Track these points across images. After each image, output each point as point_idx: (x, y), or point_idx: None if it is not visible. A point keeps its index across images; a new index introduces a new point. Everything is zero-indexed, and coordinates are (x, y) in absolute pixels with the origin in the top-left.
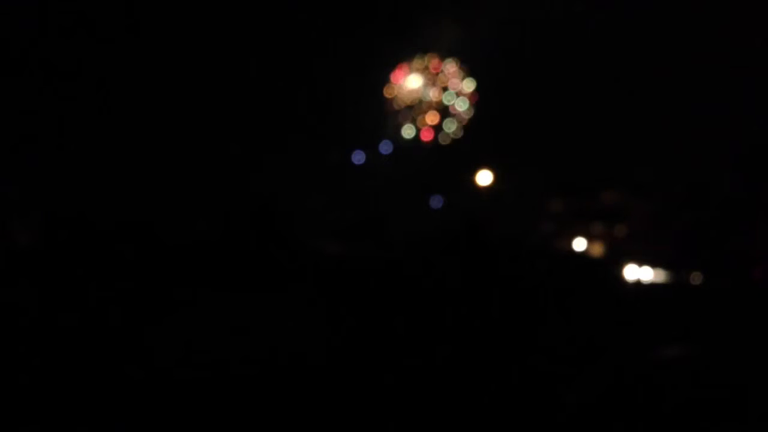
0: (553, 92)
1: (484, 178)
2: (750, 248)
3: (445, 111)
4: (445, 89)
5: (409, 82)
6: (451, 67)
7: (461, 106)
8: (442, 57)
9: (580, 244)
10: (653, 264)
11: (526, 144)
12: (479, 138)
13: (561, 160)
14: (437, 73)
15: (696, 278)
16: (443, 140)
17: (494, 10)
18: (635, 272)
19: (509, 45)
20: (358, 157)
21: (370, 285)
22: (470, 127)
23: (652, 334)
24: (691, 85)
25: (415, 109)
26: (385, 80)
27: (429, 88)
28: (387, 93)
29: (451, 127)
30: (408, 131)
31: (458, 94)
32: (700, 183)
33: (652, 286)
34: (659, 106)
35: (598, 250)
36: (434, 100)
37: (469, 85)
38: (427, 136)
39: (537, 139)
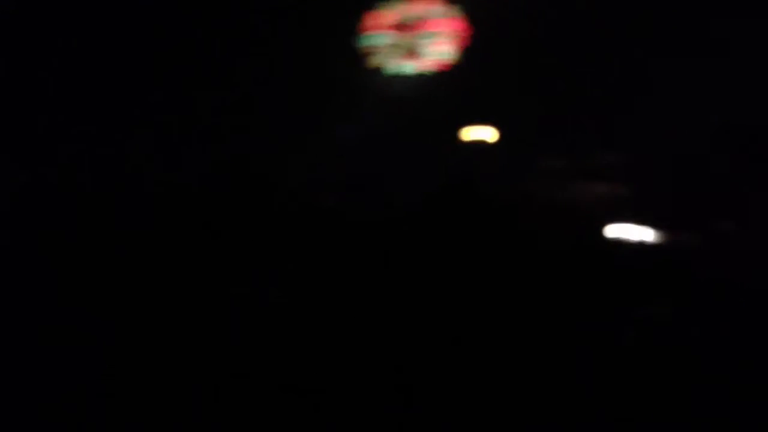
0: (553, 47)
1: (478, 132)
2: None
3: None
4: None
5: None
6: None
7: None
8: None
9: (577, 202)
10: (649, 224)
11: (525, 99)
12: (475, 90)
13: (560, 116)
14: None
15: (691, 238)
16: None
17: None
18: (631, 231)
19: None
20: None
21: (367, 240)
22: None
23: (643, 293)
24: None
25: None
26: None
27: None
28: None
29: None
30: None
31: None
32: (697, 149)
33: (646, 245)
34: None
35: (594, 207)
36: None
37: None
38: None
39: (536, 94)
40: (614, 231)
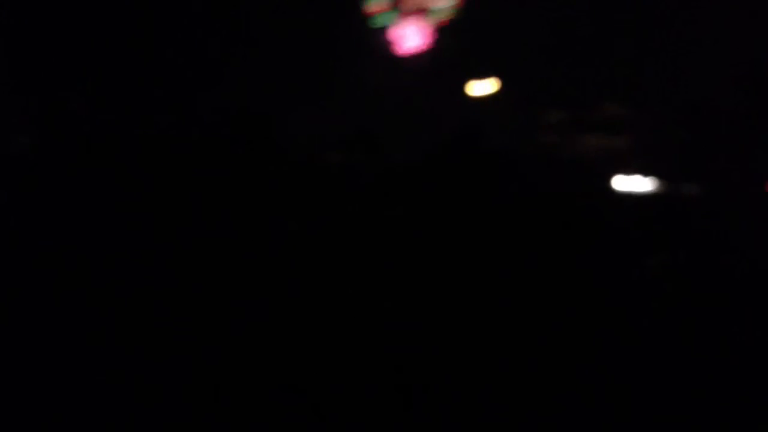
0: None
1: (481, 87)
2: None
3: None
4: None
5: None
6: None
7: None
8: None
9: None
10: (650, 175)
11: (525, 52)
12: (476, 44)
13: (560, 69)
14: None
15: (691, 189)
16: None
17: None
18: (634, 184)
19: None
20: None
21: (370, 197)
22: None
23: (645, 243)
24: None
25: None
26: None
27: None
28: None
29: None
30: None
31: None
32: (701, 98)
33: (647, 197)
34: (664, 17)
35: (598, 159)
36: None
37: None
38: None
39: (536, 47)
40: (618, 182)
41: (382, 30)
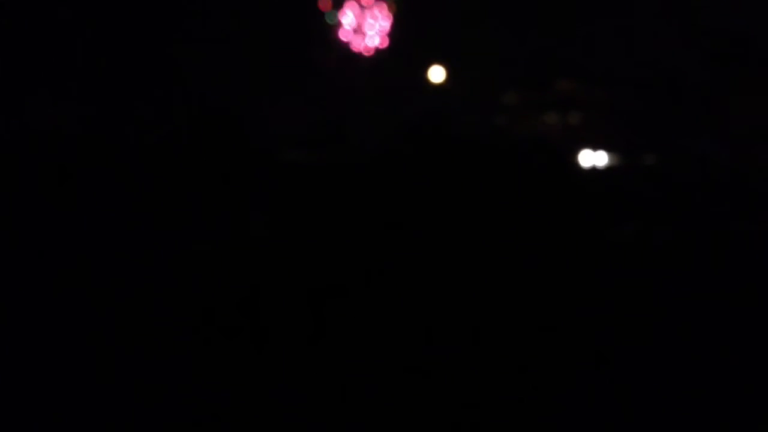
0: None
1: (436, 73)
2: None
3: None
4: None
5: None
6: None
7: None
8: None
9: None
10: (609, 149)
11: (477, 35)
12: (426, 33)
13: (514, 50)
14: None
15: (650, 159)
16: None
17: None
18: (591, 158)
19: None
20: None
21: (334, 195)
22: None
23: (609, 214)
24: None
25: None
26: None
27: None
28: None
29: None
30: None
31: None
32: (661, 69)
33: (607, 169)
34: None
35: (553, 138)
36: None
37: None
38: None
39: (488, 29)
40: (578, 158)
41: (337, 25)
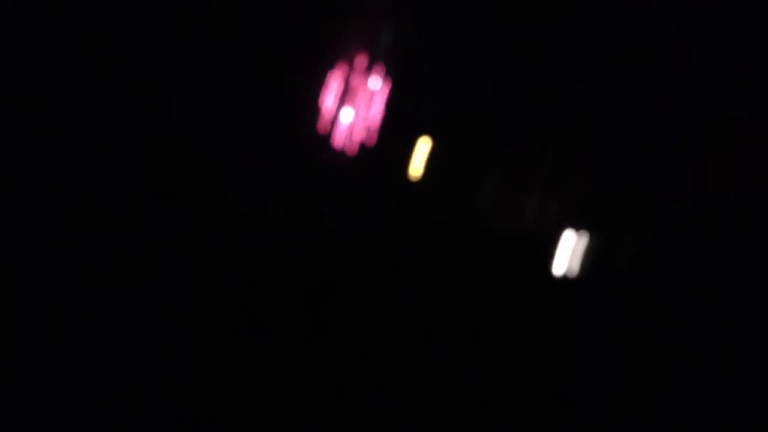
0: (486, 60)
1: (418, 149)
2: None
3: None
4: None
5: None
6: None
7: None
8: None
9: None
10: (592, 228)
11: (461, 111)
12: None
13: (496, 128)
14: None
15: (632, 241)
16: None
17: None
18: (572, 239)
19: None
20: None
21: (305, 276)
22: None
23: (589, 298)
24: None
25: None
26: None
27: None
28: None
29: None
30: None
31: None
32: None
33: (588, 250)
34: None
35: (535, 217)
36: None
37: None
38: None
39: (472, 107)
40: (560, 238)
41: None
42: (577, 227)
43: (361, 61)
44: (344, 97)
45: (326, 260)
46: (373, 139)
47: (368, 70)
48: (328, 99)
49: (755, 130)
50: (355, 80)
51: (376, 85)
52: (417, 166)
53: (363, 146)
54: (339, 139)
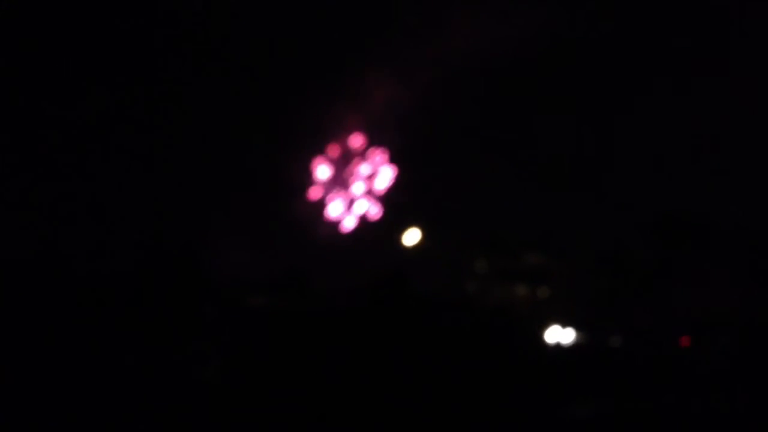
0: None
1: (410, 236)
2: (667, 313)
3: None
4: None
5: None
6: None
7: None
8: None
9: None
10: (575, 326)
11: (451, 203)
12: (403, 197)
13: (486, 219)
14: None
15: (615, 341)
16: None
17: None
18: (557, 334)
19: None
20: None
21: (295, 339)
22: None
23: (570, 393)
24: (605, 150)
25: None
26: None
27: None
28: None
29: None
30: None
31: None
32: (615, 247)
33: (572, 348)
34: (577, 168)
35: (521, 310)
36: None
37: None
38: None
39: (461, 198)
40: (544, 332)
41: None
42: (564, 324)
43: (357, 140)
44: (338, 177)
45: (318, 335)
46: (370, 215)
47: (365, 150)
48: (323, 174)
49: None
50: (352, 159)
51: (373, 165)
52: (410, 240)
53: (360, 220)
54: (333, 213)
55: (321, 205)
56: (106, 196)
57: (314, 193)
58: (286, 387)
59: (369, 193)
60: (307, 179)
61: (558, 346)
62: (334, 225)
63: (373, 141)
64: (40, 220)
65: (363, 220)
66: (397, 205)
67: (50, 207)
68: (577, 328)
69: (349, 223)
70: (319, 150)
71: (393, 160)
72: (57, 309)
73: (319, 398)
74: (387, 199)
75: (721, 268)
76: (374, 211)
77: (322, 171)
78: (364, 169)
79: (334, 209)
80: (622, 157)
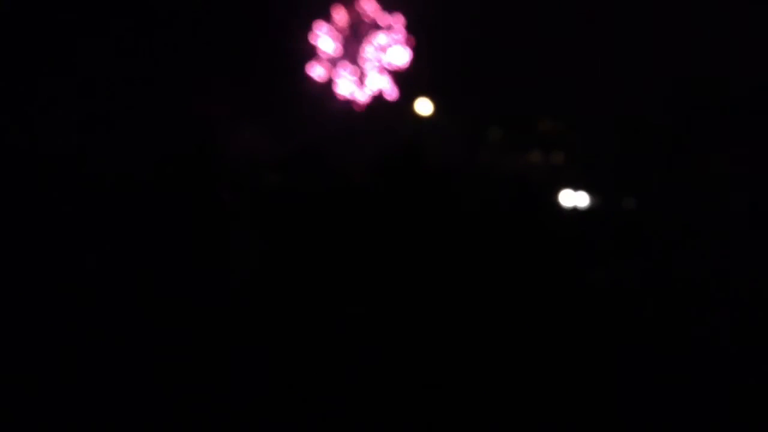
0: (491, 24)
1: (423, 106)
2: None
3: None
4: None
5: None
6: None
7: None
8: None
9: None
10: (588, 190)
11: (465, 73)
12: (417, 69)
13: (499, 89)
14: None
15: (628, 203)
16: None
17: None
18: (571, 198)
19: None
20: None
21: (311, 218)
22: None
23: (586, 257)
24: (625, 18)
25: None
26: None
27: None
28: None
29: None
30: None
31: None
32: (633, 115)
33: (586, 211)
34: (597, 38)
35: (535, 176)
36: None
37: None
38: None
39: (475, 69)
40: (559, 198)
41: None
42: (576, 188)
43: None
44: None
45: (334, 215)
46: (384, 91)
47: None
48: (328, 46)
49: (755, 121)
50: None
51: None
52: (423, 110)
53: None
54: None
55: (329, 82)
56: (108, 87)
57: (320, 70)
58: (319, 261)
59: (381, 67)
60: (313, 52)
61: (575, 210)
62: (345, 102)
63: (386, 6)
64: (41, 115)
65: (377, 97)
66: (411, 76)
67: (51, 101)
68: (590, 192)
69: (361, 98)
70: (324, 16)
71: (409, 29)
72: (76, 213)
73: (344, 275)
74: (400, 74)
75: (739, 135)
76: (388, 87)
77: (328, 43)
78: (377, 39)
79: (343, 87)
80: (641, 22)
